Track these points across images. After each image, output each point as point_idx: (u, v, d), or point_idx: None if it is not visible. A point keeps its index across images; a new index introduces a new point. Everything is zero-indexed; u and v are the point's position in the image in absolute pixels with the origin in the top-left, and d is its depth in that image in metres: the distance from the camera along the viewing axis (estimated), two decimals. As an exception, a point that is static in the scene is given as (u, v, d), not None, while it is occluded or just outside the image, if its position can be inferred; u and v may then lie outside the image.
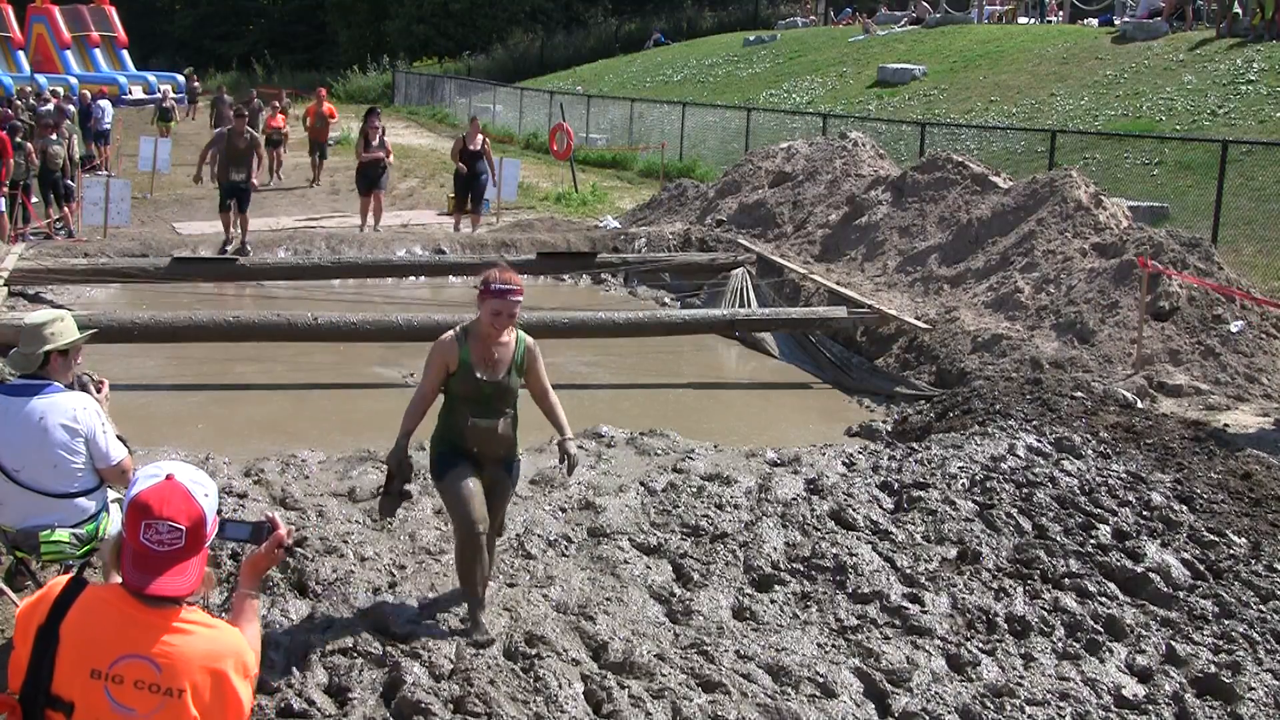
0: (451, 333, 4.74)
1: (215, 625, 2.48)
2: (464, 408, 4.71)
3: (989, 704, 4.55)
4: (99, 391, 4.84)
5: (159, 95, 29.55)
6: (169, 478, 2.44)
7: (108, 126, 22.98)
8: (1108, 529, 6.00)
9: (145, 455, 6.48)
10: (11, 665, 2.48)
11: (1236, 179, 13.87)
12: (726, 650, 4.77)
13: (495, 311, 4.60)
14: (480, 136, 15.66)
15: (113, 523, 4.71)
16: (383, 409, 9.10)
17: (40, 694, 2.40)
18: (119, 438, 4.67)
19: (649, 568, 5.49)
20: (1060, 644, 5.06)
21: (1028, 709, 4.54)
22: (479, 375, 4.67)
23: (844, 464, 6.97)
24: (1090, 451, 6.99)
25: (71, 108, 22.58)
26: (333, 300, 12.53)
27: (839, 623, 5.11)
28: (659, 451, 7.26)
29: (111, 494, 4.85)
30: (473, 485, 4.65)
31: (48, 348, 4.52)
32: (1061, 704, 4.60)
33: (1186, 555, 5.79)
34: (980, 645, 5.01)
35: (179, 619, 2.42)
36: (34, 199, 15.23)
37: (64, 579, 2.54)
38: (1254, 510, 6.35)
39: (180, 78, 42.10)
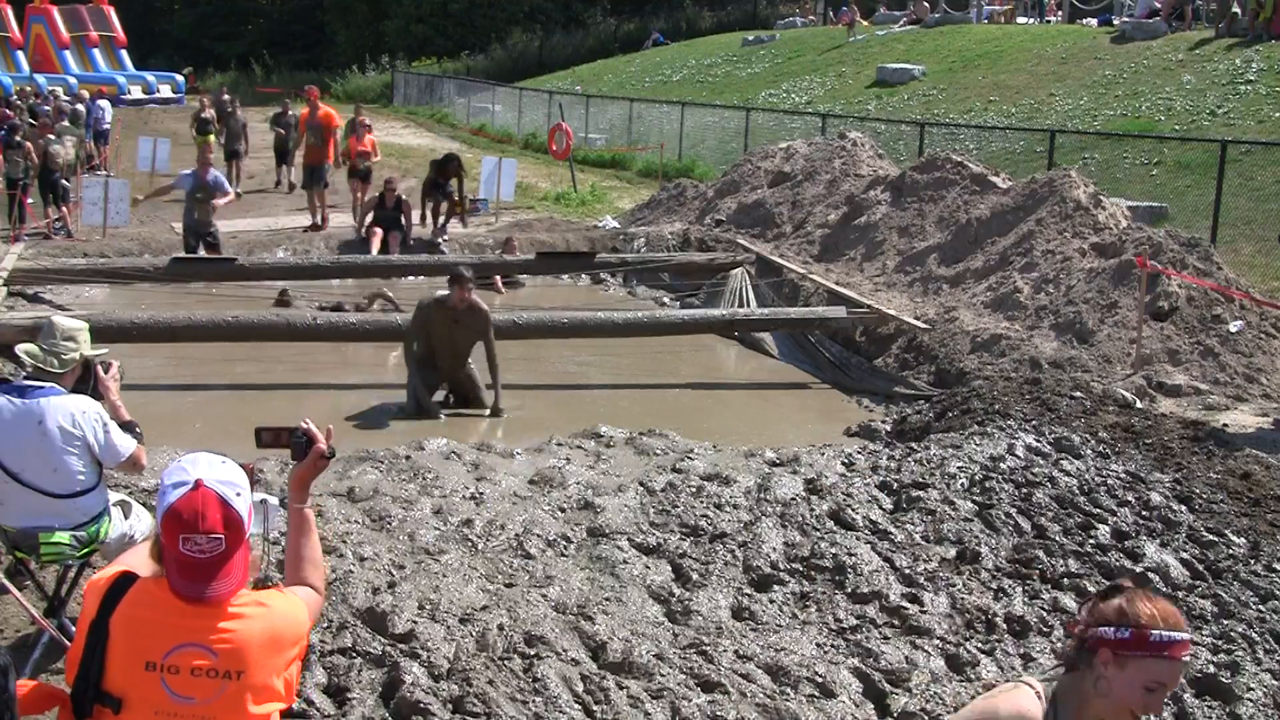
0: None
1: (267, 603, 2.50)
2: None
3: (988, 704, 4.55)
4: (107, 373, 4.81)
5: (198, 106, 22.77)
6: (198, 484, 2.42)
7: (108, 126, 22.97)
8: (1107, 529, 6.00)
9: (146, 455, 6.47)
10: (68, 659, 2.49)
11: (1236, 179, 13.88)
12: (726, 650, 4.77)
13: (1154, 684, 2.31)
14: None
15: (114, 525, 4.71)
16: (382, 409, 9.11)
17: (90, 689, 2.40)
18: (130, 423, 4.66)
19: (648, 568, 5.48)
20: (1060, 644, 5.06)
21: (1027, 709, 4.54)
22: None
23: (843, 464, 6.97)
24: (1089, 451, 6.99)
25: (81, 107, 22.46)
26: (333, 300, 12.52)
27: (838, 623, 5.11)
28: (658, 451, 7.26)
29: (113, 496, 4.85)
30: None
31: (84, 353, 4.56)
32: (1060, 704, 4.60)
33: (1186, 555, 5.79)
34: (979, 645, 5.01)
35: (231, 604, 2.44)
36: (30, 199, 15.22)
37: (112, 572, 2.53)
38: (1253, 510, 6.35)
39: (179, 77, 42.14)
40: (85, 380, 4.73)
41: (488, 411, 9.00)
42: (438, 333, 8.89)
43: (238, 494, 2.47)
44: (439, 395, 9.17)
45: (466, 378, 9.11)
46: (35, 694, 2.48)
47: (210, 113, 21.32)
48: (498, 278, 13.36)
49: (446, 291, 8.84)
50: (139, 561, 2.60)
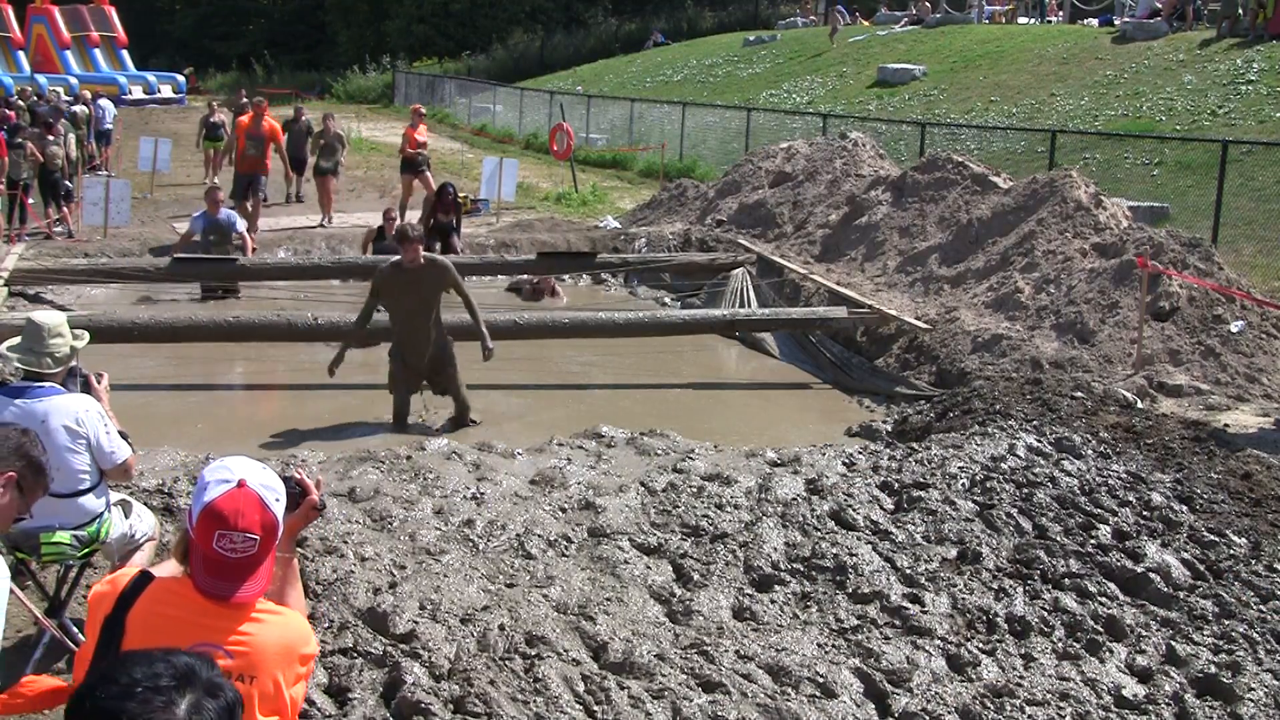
0: None
1: (283, 613, 2.49)
2: None
3: (989, 704, 4.55)
4: (99, 383, 4.83)
5: (206, 110, 21.20)
6: (241, 484, 2.42)
7: (109, 126, 22.97)
8: (1108, 529, 6.00)
9: (146, 456, 6.49)
10: (78, 657, 2.48)
11: (1236, 179, 13.88)
12: (726, 650, 4.77)
13: None
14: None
15: (114, 525, 4.71)
16: (382, 409, 9.11)
17: None
18: (121, 433, 4.67)
19: (649, 568, 5.49)
20: (1060, 644, 5.07)
21: (1028, 709, 4.54)
22: None
23: (844, 464, 6.97)
24: (1090, 451, 6.99)
25: (82, 108, 22.41)
26: (333, 300, 12.52)
27: (839, 623, 5.11)
28: (659, 451, 7.26)
29: (114, 496, 4.86)
30: None
31: (76, 345, 4.57)
32: (1061, 704, 4.60)
33: (1186, 555, 5.79)
34: (980, 645, 5.01)
35: (251, 608, 2.44)
36: (32, 200, 15.23)
37: (131, 570, 2.52)
38: (1254, 510, 6.35)
39: (180, 78, 42.16)
40: (72, 382, 4.75)
41: (481, 358, 8.56)
42: (402, 298, 8.35)
43: (276, 499, 2.47)
44: (413, 412, 8.73)
45: (441, 360, 8.54)
46: (51, 692, 2.48)
47: (219, 117, 20.06)
48: (552, 281, 13.37)
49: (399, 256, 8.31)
50: (163, 570, 2.59)
